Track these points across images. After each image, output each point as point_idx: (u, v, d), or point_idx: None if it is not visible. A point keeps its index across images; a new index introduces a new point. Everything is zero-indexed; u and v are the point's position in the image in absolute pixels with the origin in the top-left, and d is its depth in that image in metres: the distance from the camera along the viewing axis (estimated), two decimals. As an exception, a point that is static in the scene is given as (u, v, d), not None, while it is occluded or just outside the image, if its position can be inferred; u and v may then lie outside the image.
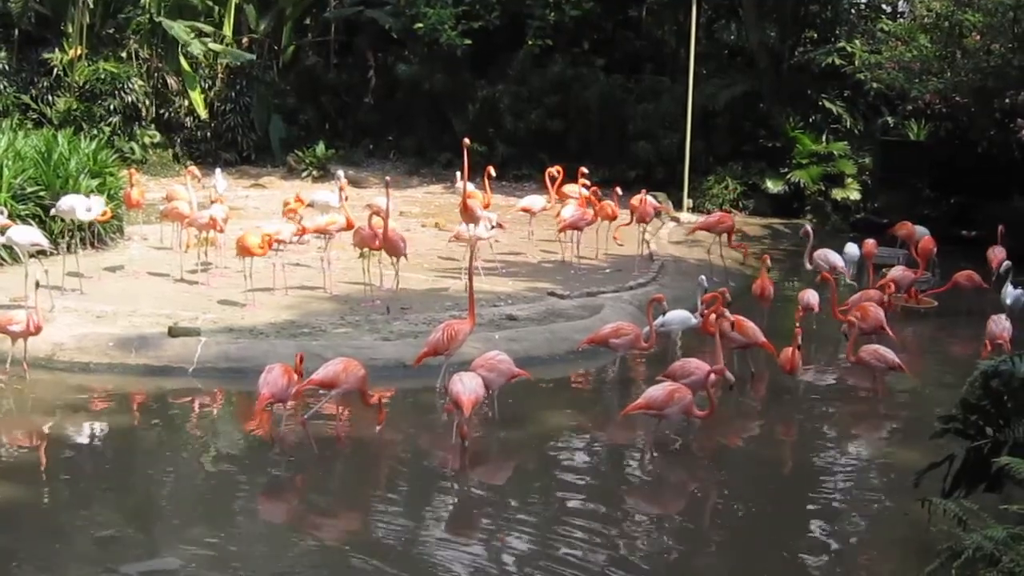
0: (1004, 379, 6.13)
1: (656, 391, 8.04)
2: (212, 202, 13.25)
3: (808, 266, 12.89)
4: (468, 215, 13.09)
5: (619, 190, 15.48)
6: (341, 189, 12.75)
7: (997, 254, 13.11)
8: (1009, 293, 11.95)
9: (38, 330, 9.20)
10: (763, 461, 8.42)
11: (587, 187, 14.85)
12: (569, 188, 15.47)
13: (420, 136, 22.87)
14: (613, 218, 14.57)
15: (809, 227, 13.66)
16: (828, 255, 12.81)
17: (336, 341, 9.96)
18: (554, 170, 15.65)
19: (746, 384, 9.91)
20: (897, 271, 12.68)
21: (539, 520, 6.94)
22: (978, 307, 12.22)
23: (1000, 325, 10.34)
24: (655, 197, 18.21)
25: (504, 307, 11.60)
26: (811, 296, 11.40)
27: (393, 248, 11.61)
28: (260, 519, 7.03)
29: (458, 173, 16.72)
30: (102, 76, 20.41)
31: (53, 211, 12.16)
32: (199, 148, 22.31)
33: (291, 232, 12.25)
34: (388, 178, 13.79)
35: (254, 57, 22.61)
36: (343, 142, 23.27)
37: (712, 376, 8.56)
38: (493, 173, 15.00)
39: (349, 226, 12.20)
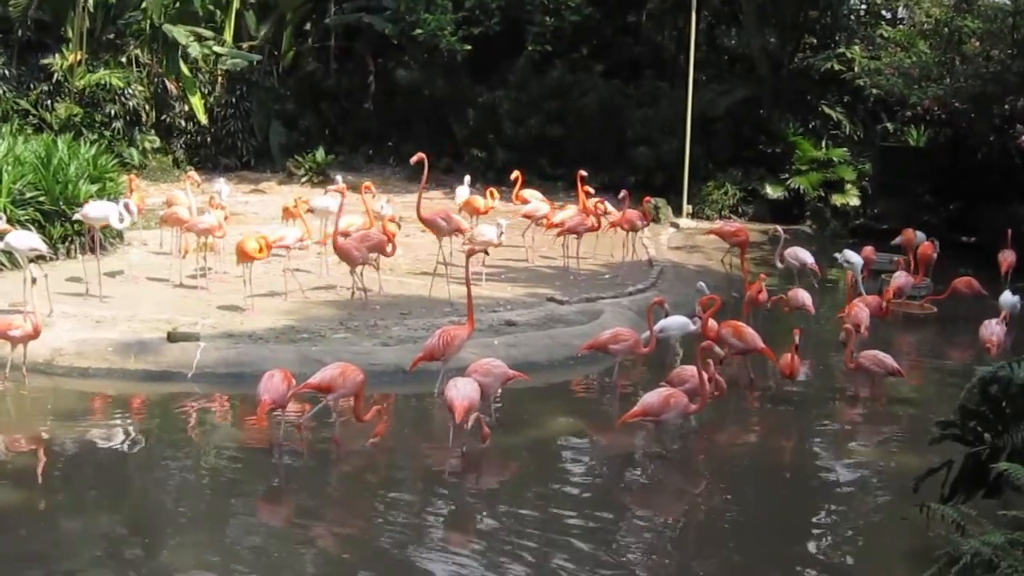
0: (1002, 385, 6.13)
1: (652, 397, 8.04)
2: (215, 207, 13.26)
3: (779, 264, 13.26)
4: (431, 227, 13.02)
5: (649, 199, 15.59)
6: (366, 190, 12.84)
7: (1007, 257, 13.18)
8: (1006, 299, 11.95)
9: (37, 332, 9.19)
10: (762, 466, 8.40)
11: (590, 195, 14.91)
12: (528, 192, 15.78)
13: (420, 142, 22.68)
14: (634, 229, 14.86)
15: (780, 228, 14.18)
16: (798, 252, 13.21)
17: (335, 346, 9.95)
18: (516, 174, 15.89)
19: (745, 390, 9.92)
20: (900, 278, 12.70)
21: (538, 525, 6.93)
22: (978, 313, 12.21)
23: (990, 329, 10.48)
24: (655, 203, 18.38)
25: (504, 312, 11.60)
26: (804, 296, 11.47)
27: (347, 257, 11.45)
28: (260, 524, 7.02)
29: (467, 178, 16.91)
30: (102, 83, 20.42)
31: (78, 215, 12.01)
32: (199, 153, 22.37)
33: (296, 237, 12.29)
34: (344, 184, 13.27)
35: (260, 57, 22.63)
36: (343, 147, 23.30)
37: (701, 352, 8.49)
38: (497, 197, 15.47)
39: (371, 228, 12.30)
